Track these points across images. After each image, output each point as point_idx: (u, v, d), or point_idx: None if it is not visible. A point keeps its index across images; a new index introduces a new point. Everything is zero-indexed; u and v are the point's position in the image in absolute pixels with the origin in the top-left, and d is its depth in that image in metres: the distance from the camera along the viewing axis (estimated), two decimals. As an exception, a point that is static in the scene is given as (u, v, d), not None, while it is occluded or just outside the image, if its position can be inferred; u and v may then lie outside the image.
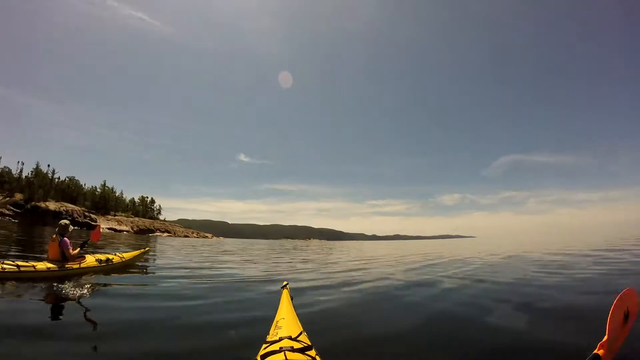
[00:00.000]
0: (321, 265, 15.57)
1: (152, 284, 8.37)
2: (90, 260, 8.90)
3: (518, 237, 66.41)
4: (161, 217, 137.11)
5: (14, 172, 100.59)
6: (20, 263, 7.40)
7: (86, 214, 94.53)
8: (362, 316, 5.90)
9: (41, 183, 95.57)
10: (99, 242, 15.95)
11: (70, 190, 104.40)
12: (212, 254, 22.69)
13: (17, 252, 14.36)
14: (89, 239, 9.78)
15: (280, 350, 2.54)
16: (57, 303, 5.73)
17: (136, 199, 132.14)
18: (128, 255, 10.80)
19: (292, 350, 2.56)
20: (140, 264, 11.62)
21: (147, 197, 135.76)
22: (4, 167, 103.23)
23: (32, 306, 5.33)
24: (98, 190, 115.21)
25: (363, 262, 17.54)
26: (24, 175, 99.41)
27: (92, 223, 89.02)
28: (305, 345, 2.67)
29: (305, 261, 18.38)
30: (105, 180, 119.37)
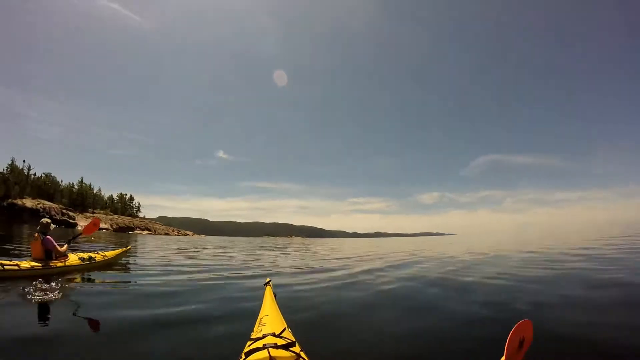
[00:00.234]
0: (303, 262, 15.93)
1: (135, 281, 8.59)
2: (73, 258, 9.04)
3: (497, 235, 67.09)
4: (141, 215, 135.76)
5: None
6: (3, 262, 7.52)
7: (64, 211, 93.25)
8: (347, 312, 6.06)
9: (17, 179, 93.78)
10: (80, 240, 15.92)
11: (46, 187, 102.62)
12: (193, 251, 22.85)
13: None
14: (81, 233, 9.92)
15: (264, 347, 2.57)
16: (42, 302, 5.82)
17: (115, 196, 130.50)
18: (110, 253, 10.92)
19: (276, 347, 2.59)
20: (122, 262, 11.75)
21: (126, 195, 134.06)
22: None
23: (17, 305, 5.49)
24: (75, 187, 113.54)
25: (347, 259, 17.79)
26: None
27: (70, 221, 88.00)
28: (289, 341, 2.73)
29: (287, 258, 18.73)
30: (82, 177, 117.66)
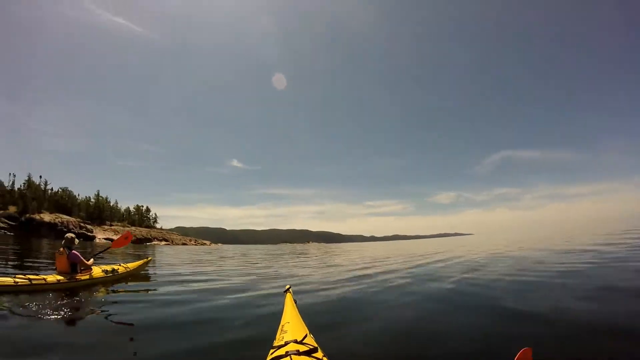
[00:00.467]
0: (322, 267, 16.05)
1: (156, 290, 8.92)
2: (97, 271, 9.34)
3: (519, 234, 66.25)
4: (158, 226, 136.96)
5: (5, 184, 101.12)
6: (31, 276, 7.85)
7: (82, 224, 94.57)
8: (371, 317, 6.05)
9: (34, 195, 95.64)
10: (101, 254, 16.25)
11: (64, 201, 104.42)
12: (212, 260, 23.17)
13: (16, 264, 14.81)
14: (109, 247, 10.18)
15: (287, 354, 2.61)
16: (70, 313, 6.16)
17: (131, 208, 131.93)
18: (132, 265, 11.24)
19: (298, 353, 2.64)
20: (144, 272, 12.08)
21: (143, 206, 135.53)
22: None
23: (47, 317, 5.72)
24: (92, 200, 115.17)
25: (367, 263, 17.79)
26: (16, 187, 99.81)
27: (88, 234, 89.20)
28: (312, 347, 2.75)
29: (306, 264, 18.84)
30: (98, 190, 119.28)
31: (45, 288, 7.80)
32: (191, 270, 14.81)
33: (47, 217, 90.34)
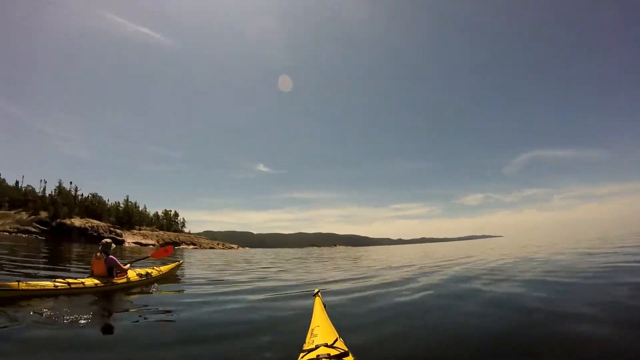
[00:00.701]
0: (351, 271, 16.17)
1: (188, 293, 9.33)
2: (132, 275, 9.75)
3: (551, 235, 64.35)
4: (186, 230, 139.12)
5: (37, 190, 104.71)
6: (70, 280, 8.23)
7: (111, 229, 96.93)
8: (402, 321, 6.04)
9: (65, 200, 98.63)
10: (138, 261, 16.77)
11: (94, 207, 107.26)
12: (239, 263, 23.61)
13: (48, 267, 15.42)
14: (147, 256, 10.55)
15: (318, 358, 2.65)
16: (109, 314, 6.66)
17: (160, 213, 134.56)
18: (164, 268, 11.68)
19: (329, 357, 2.66)
20: (175, 276, 12.49)
21: (171, 211, 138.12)
22: (27, 185, 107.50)
23: (87, 318, 5.99)
24: (121, 205, 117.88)
25: (395, 266, 17.83)
26: (47, 193, 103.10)
27: (118, 238, 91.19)
28: (342, 351, 2.76)
29: (335, 267, 18.93)
30: (127, 196, 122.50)
31: (84, 291, 8.19)
32: (220, 273, 15.32)
33: (77, 222, 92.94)
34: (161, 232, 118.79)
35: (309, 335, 3.45)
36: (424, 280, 10.76)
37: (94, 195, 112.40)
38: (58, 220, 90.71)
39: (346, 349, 2.84)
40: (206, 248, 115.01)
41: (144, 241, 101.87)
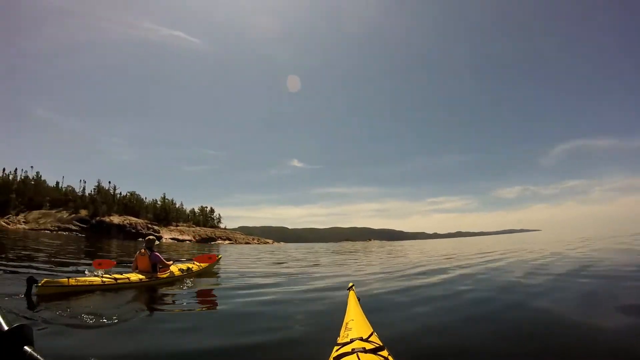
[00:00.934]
0: (386, 265, 16.39)
1: (227, 287, 9.88)
2: (174, 269, 10.32)
3: (592, 229, 61.61)
4: (221, 226, 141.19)
5: (77, 190, 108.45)
6: (116, 276, 8.82)
7: (149, 225, 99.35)
8: (439, 317, 6.01)
9: (104, 199, 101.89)
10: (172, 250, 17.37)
11: (132, 204, 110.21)
12: (274, 258, 24.21)
13: (89, 262, 16.16)
14: (190, 259, 10.97)
15: (353, 351, 2.61)
16: (152, 308, 7.18)
17: (196, 210, 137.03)
18: (204, 263, 12.15)
19: (365, 351, 2.62)
20: (215, 270, 13.02)
21: (207, 207, 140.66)
22: (68, 186, 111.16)
23: (133, 311, 6.54)
24: (159, 203, 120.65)
25: (430, 261, 17.93)
26: (87, 192, 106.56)
27: (155, 234, 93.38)
28: (377, 345, 2.73)
29: (369, 262, 19.18)
30: (164, 193, 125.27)
31: (130, 286, 8.72)
32: (255, 267, 16.15)
33: (116, 219, 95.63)
34: (197, 228, 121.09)
35: (343, 328, 3.45)
36: (460, 275, 10.89)
37: (132, 194, 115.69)
38: (97, 218, 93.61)
39: (381, 344, 2.81)
40: (242, 243, 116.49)
41: (180, 237, 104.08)
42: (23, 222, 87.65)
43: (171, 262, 10.31)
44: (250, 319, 6.06)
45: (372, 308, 5.74)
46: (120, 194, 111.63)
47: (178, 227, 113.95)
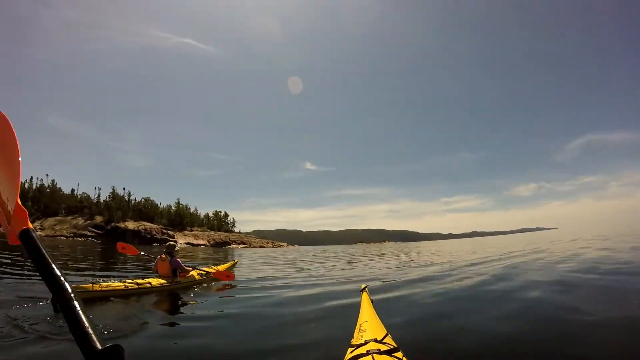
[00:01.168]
0: (399, 267, 16.50)
1: (243, 289, 10.18)
2: (193, 274, 10.57)
3: (608, 226, 59.68)
4: (236, 230, 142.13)
5: (92, 197, 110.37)
6: (138, 280, 9.13)
7: (163, 231, 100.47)
8: (454, 319, 5.94)
9: (118, 205, 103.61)
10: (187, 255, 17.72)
11: (146, 210, 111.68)
12: (288, 260, 24.72)
13: (104, 267, 16.68)
14: (209, 272, 11.19)
15: (368, 353, 2.63)
16: (174, 311, 7.67)
17: (210, 214, 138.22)
18: (222, 267, 12.72)
19: (380, 352, 2.65)
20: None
21: (221, 212, 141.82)
22: (83, 193, 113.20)
23: (156, 315, 6.97)
24: (173, 208, 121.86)
25: (445, 263, 17.97)
26: (102, 199, 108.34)
27: (170, 239, 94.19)
28: (392, 347, 2.76)
29: (382, 264, 19.24)
30: (178, 199, 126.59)
31: (151, 290, 9.06)
32: (269, 270, 16.71)
33: (131, 224, 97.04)
34: (212, 232, 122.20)
35: (357, 330, 3.45)
36: (475, 276, 10.80)
37: (147, 199, 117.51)
38: (112, 224, 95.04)
39: (396, 345, 2.84)
40: (256, 247, 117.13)
41: (195, 241, 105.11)
42: (39, 229, 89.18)
43: (190, 268, 10.58)
44: (264, 320, 6.30)
45: (385, 310, 5.83)
46: (135, 200, 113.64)
47: (192, 232, 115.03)
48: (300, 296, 8.77)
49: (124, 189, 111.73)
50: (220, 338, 5.26)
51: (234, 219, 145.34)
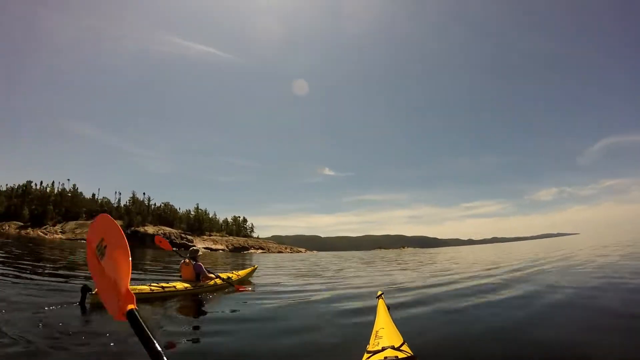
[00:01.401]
0: (417, 274, 16.49)
1: (262, 294, 10.49)
2: (216, 280, 10.84)
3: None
4: (254, 235, 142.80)
5: (112, 201, 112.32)
6: (163, 284, 9.53)
7: (182, 235, 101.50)
8: (473, 327, 5.85)
9: (138, 210, 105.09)
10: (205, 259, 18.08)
11: (166, 215, 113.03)
12: (306, 266, 25.01)
13: (136, 272, 16.95)
14: (231, 284, 11.50)
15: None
16: (198, 313, 8.05)
17: (229, 219, 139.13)
18: (242, 273, 13.28)
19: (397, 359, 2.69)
20: (252, 279, 13.75)
21: (240, 217, 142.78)
22: (103, 197, 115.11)
23: (181, 317, 7.42)
24: (192, 213, 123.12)
25: (464, 268, 18.08)
26: (122, 204, 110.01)
27: (189, 244, 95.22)
28: (409, 355, 2.79)
29: (400, 271, 19.19)
30: (197, 204, 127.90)
31: (176, 294, 9.41)
32: (287, 276, 17.19)
33: (150, 229, 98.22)
34: (230, 237, 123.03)
35: (373, 336, 3.48)
36: (494, 284, 10.79)
37: (166, 204, 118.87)
38: (132, 228, 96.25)
39: (412, 354, 2.86)
40: (274, 252, 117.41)
41: (214, 246, 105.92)
42: (60, 232, 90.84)
43: (212, 276, 10.81)
44: (281, 324, 6.49)
45: (402, 317, 6.00)
46: (155, 204, 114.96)
47: (211, 237, 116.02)
48: (316, 300, 9.08)
49: (144, 193, 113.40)
50: (239, 341, 5.43)
51: (252, 224, 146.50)
